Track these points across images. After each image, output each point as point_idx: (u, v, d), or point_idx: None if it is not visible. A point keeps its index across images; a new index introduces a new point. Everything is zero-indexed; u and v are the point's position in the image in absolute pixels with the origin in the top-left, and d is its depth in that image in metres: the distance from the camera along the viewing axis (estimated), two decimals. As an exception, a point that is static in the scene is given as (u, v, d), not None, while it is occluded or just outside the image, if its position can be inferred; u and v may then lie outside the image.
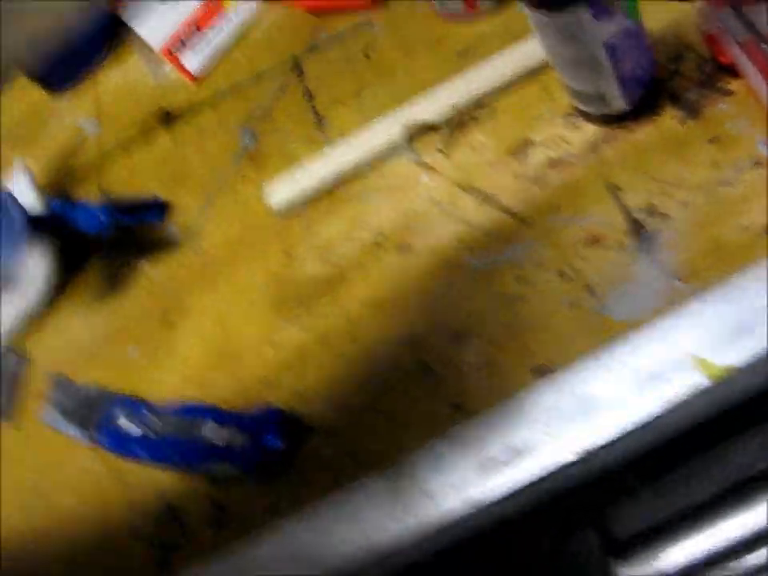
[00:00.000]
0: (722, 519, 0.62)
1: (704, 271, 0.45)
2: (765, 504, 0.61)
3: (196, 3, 0.71)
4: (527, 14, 0.45)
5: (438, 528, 0.47)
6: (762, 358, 0.42)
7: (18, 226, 0.59)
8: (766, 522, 0.61)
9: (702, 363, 0.42)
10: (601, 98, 0.49)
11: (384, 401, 0.51)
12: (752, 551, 0.64)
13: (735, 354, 0.42)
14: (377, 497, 0.48)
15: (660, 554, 0.62)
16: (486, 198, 0.52)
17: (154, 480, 0.56)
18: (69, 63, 0.75)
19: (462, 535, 0.47)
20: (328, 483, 0.50)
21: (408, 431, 0.49)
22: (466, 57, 0.57)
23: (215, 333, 0.58)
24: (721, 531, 0.62)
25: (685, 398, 0.43)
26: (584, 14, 0.43)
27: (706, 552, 0.62)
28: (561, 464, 0.45)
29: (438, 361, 0.50)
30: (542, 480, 0.45)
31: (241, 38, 0.69)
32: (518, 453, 0.45)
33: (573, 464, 0.45)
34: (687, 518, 0.62)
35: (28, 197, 0.65)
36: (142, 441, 0.56)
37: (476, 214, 0.52)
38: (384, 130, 0.56)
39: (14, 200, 0.59)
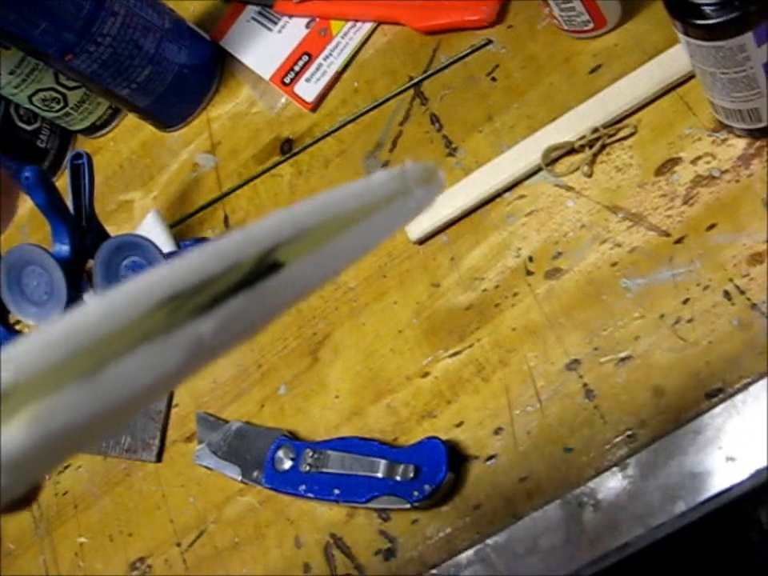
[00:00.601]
0: None
1: None
2: None
3: (303, 29, 0.72)
4: (682, 40, 0.45)
5: (621, 558, 0.47)
6: None
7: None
8: None
9: None
10: (752, 114, 0.48)
11: (546, 426, 0.51)
12: None
13: None
14: (557, 526, 0.49)
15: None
16: (636, 219, 0.52)
17: (317, 515, 0.58)
18: (174, 98, 0.76)
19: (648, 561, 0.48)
20: (500, 512, 0.51)
21: (579, 458, 0.50)
22: (599, 74, 0.56)
23: (365, 366, 0.59)
24: None
25: None
26: (748, 41, 0.42)
27: None
28: (742, 488, 0.45)
29: (605, 387, 0.50)
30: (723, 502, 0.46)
31: (354, 62, 0.69)
32: (699, 478, 0.46)
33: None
34: None
35: (159, 239, 0.66)
36: (304, 477, 0.57)
37: (627, 235, 0.52)
38: (522, 154, 0.56)
39: (156, 247, 0.60)
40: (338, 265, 0.22)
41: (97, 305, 0.20)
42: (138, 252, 0.60)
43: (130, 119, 0.81)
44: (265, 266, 0.21)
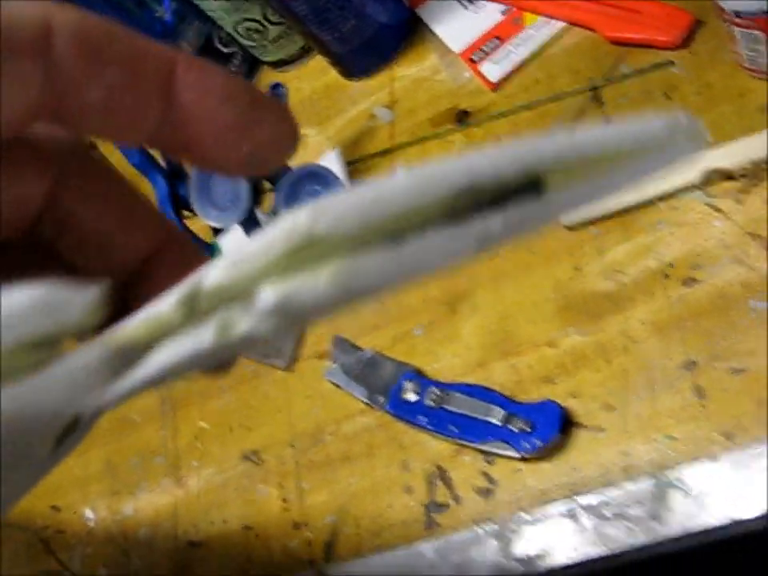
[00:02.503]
0: None
1: None
2: None
3: (498, 15, 0.78)
4: None
5: (701, 542, 0.54)
6: None
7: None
8: None
9: None
10: None
11: (655, 413, 0.57)
12: None
13: None
14: (646, 500, 0.55)
15: None
16: (775, 249, 0.58)
17: (428, 446, 0.65)
18: (367, 51, 0.83)
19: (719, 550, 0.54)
20: (596, 478, 0.58)
21: (677, 445, 0.56)
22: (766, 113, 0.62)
23: (498, 326, 0.66)
24: None
25: None
26: None
27: None
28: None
29: (715, 390, 0.56)
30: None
31: (539, 54, 0.75)
32: None
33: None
34: None
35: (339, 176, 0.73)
36: (425, 410, 0.64)
37: (762, 261, 0.58)
38: (683, 171, 0.62)
39: (339, 180, 0.67)
40: (597, 196, 0.21)
41: (402, 178, 0.20)
42: (322, 182, 0.68)
43: (318, 61, 0.89)
44: (531, 183, 0.20)
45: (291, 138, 0.23)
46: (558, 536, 0.58)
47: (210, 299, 0.20)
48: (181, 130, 0.22)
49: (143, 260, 0.26)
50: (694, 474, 0.55)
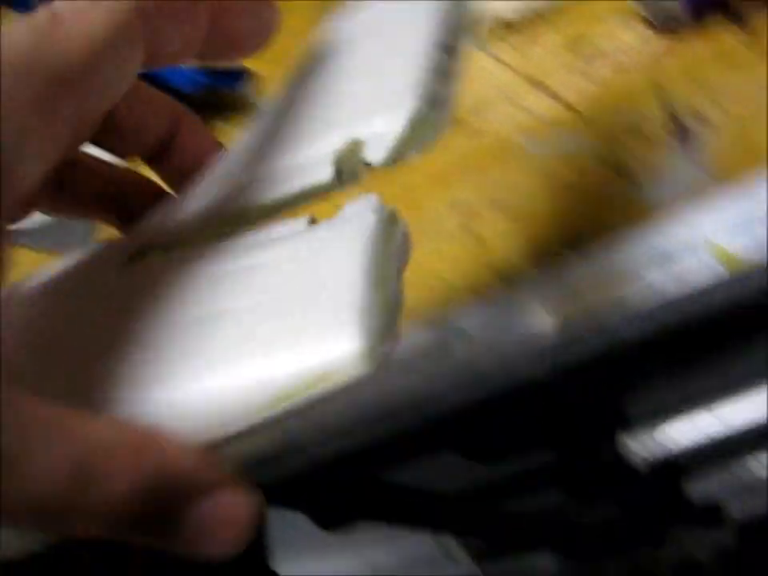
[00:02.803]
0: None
1: (736, 171, 0.50)
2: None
3: None
4: None
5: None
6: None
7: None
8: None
9: (719, 250, 0.48)
10: (664, 8, 0.53)
11: (431, 259, 0.57)
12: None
13: (751, 244, 0.47)
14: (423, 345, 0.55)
15: (667, 432, 0.68)
16: (548, 92, 0.57)
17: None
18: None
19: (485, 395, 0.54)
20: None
21: (454, 289, 0.56)
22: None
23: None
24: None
25: (700, 283, 0.48)
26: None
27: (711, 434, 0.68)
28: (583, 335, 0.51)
29: (487, 230, 0.56)
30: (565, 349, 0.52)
31: None
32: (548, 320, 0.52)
33: (592, 337, 0.51)
34: (697, 402, 0.68)
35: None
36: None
37: (538, 105, 0.58)
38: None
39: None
40: None
41: None
42: None
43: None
44: None
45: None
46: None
47: None
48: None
49: (163, 140, 0.35)
50: (470, 318, 0.54)
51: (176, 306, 0.29)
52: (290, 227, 0.31)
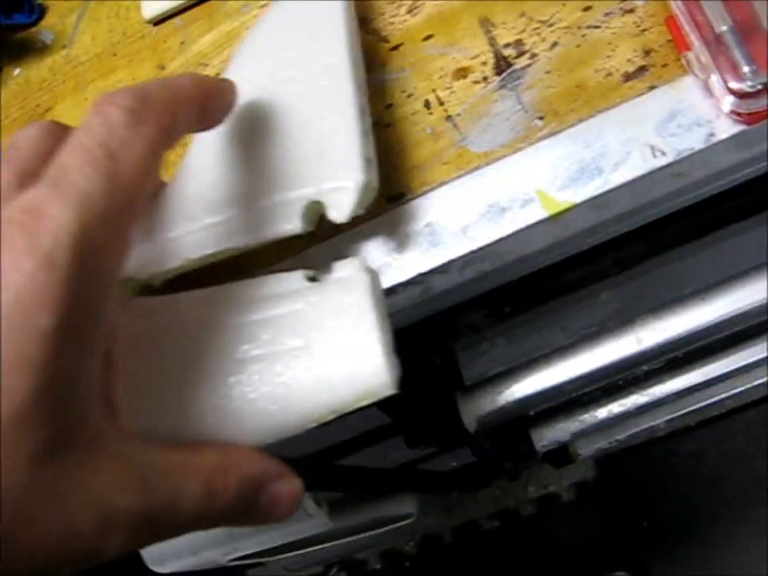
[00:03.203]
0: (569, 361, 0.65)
1: (563, 113, 0.46)
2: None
3: None
4: None
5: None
6: (603, 199, 0.44)
7: None
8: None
9: (545, 198, 0.44)
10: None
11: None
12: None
13: (577, 192, 0.43)
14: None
15: (504, 391, 0.65)
16: (362, 25, 0.52)
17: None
18: None
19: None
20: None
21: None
22: None
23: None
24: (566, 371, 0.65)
25: (526, 230, 0.44)
26: None
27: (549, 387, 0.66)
28: (407, 289, 0.46)
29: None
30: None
31: None
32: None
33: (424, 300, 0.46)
34: (532, 361, 0.65)
35: None
36: None
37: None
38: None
39: None
40: None
41: None
42: None
43: None
44: None
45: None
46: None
47: None
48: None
49: None
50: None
51: (218, 347, 0.37)
52: (290, 282, 0.39)
